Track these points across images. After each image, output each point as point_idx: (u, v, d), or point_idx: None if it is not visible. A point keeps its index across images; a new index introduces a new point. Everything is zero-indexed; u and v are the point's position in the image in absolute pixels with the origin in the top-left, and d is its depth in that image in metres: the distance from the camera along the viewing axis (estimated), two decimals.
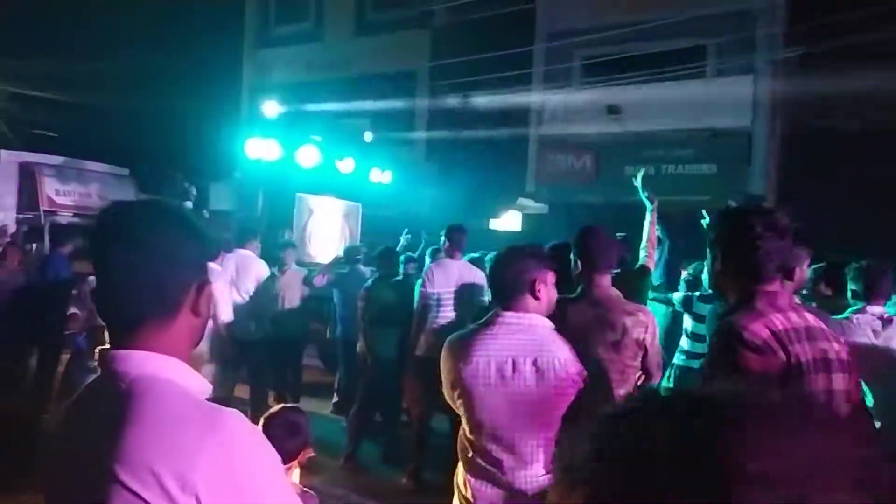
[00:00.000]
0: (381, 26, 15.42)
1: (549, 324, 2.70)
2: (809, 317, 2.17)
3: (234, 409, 1.17)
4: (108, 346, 1.20)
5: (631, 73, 12.02)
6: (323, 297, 7.73)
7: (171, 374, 1.17)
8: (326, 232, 8.00)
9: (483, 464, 2.62)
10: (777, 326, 2.05)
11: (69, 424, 1.22)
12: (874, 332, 3.81)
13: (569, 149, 13.29)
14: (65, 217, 11.12)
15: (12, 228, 10.72)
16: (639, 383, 3.23)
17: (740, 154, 11.86)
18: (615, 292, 3.25)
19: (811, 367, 2.05)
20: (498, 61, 12.77)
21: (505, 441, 2.57)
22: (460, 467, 2.77)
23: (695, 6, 11.77)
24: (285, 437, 2.61)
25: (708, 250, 2.31)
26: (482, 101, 13.06)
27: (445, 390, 2.74)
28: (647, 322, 3.18)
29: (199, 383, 1.21)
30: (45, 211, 11.32)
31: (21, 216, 11.41)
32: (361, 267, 6.89)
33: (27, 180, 11.53)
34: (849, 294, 4.20)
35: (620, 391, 3.14)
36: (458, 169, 13.79)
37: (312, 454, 2.79)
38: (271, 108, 8.45)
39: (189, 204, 9.10)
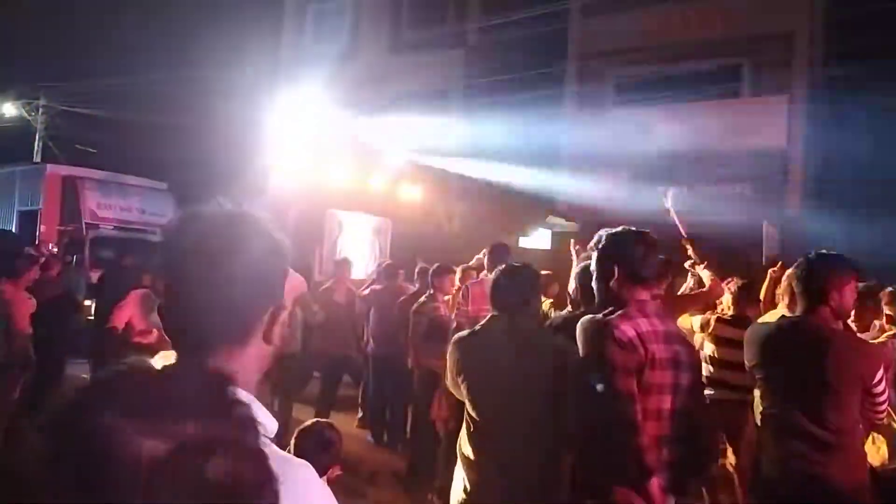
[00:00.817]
0: (416, 45, 15.60)
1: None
2: (670, 323, 2.70)
3: (304, 461, 1.08)
4: None
5: (665, 92, 11.98)
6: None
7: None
8: (357, 248, 8.08)
9: None
10: (641, 329, 2.51)
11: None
12: None
13: (601, 167, 13.26)
14: (105, 230, 11.41)
15: (53, 240, 11.04)
16: None
17: (776, 174, 11.72)
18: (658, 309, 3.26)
19: (664, 363, 2.52)
20: (531, 80, 12.83)
21: None
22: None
23: (730, 26, 11.72)
24: (318, 452, 2.62)
25: (594, 264, 2.81)
26: (513, 118, 13.10)
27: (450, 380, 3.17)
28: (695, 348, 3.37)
29: (267, 422, 1.05)
30: (86, 223, 11.63)
31: (63, 228, 11.74)
32: (403, 283, 6.92)
33: (70, 193, 11.86)
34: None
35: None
36: (488, 185, 13.83)
37: (341, 472, 2.80)
38: (307, 125, 8.59)
39: None
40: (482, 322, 3.26)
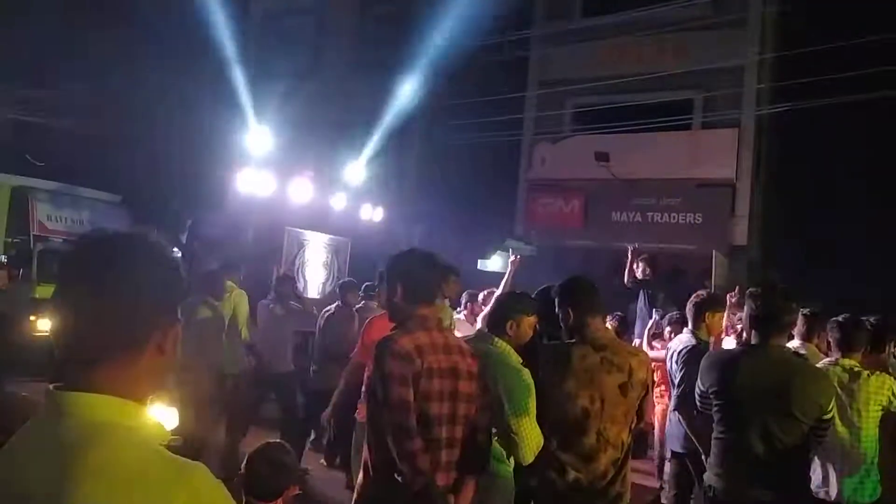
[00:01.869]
0: (377, 65, 15.70)
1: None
2: (450, 335, 2.99)
3: (199, 463, 1.09)
4: (56, 384, 1.10)
5: (620, 122, 12.30)
6: (310, 332, 7.73)
7: (131, 420, 1.07)
8: (315, 266, 8.05)
9: None
10: (420, 341, 2.74)
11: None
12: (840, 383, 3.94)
13: (557, 193, 13.51)
14: (54, 243, 11.11)
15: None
16: (632, 425, 3.30)
17: (725, 205, 12.10)
18: (612, 335, 3.37)
19: (441, 372, 2.75)
20: (491, 105, 13.03)
21: None
22: None
23: (684, 61, 12.13)
24: (269, 475, 2.59)
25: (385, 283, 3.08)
26: (474, 142, 13.28)
27: None
28: (648, 362, 3.33)
29: (159, 430, 1.13)
30: (34, 236, 11.32)
31: (10, 240, 11.40)
32: (369, 303, 6.90)
33: (19, 204, 11.55)
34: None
35: (618, 435, 3.19)
36: (447, 208, 13.94)
37: (298, 492, 2.76)
38: (267, 142, 8.55)
39: (183, 235, 9.18)
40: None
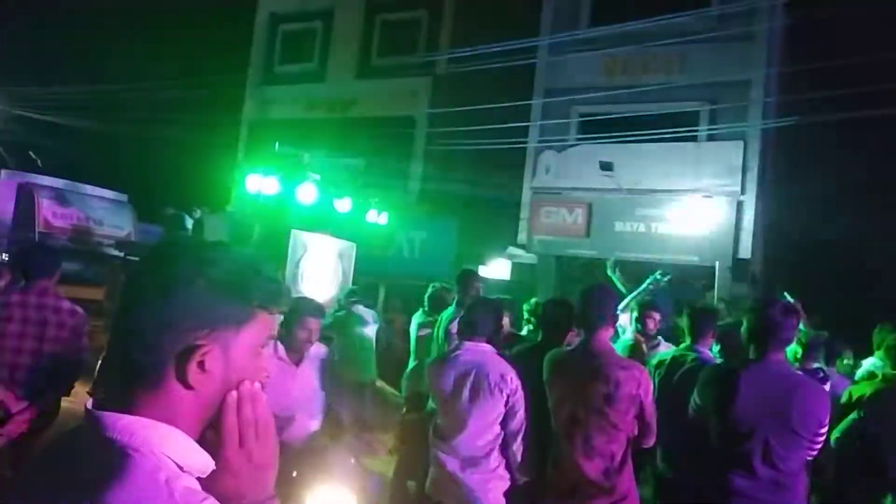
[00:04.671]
0: (384, 71, 15.76)
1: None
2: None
3: (210, 498, 0.96)
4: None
5: (626, 132, 12.32)
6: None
7: (167, 448, 0.97)
8: (319, 270, 8.06)
9: None
10: None
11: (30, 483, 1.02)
12: None
13: (561, 202, 13.52)
14: (59, 240, 11.12)
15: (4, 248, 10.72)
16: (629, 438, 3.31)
17: (729, 217, 12.09)
18: (611, 348, 3.39)
19: None
20: (496, 112, 13.07)
21: None
22: None
23: (691, 72, 12.16)
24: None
25: None
26: (478, 149, 13.31)
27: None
28: (640, 378, 3.29)
29: (199, 460, 1.01)
30: (39, 233, 11.34)
31: (14, 237, 11.42)
32: (361, 308, 6.91)
33: (25, 201, 11.57)
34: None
35: (608, 446, 3.22)
36: (450, 214, 13.97)
37: None
38: (274, 143, 8.59)
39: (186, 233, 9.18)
40: None
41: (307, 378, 3.92)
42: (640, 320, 5.47)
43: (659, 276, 6.34)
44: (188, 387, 0.99)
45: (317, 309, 3.96)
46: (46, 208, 11.57)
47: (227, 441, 1.03)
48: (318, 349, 3.97)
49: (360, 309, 6.89)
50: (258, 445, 1.04)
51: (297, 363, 3.87)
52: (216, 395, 1.02)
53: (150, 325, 0.99)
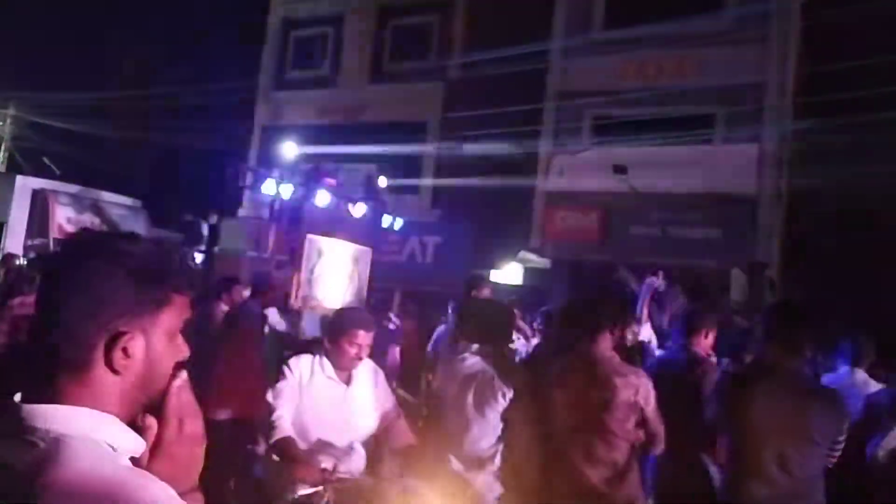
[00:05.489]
0: (396, 76, 15.76)
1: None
2: None
3: (158, 480, 1.01)
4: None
5: (640, 135, 12.26)
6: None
7: (94, 433, 1.01)
8: (335, 275, 8.03)
9: None
10: None
11: None
12: None
13: (575, 206, 13.44)
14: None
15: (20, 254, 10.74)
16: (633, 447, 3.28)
17: (745, 220, 12.00)
18: (612, 354, 3.32)
19: None
20: (509, 116, 13.03)
21: None
22: None
23: (706, 75, 12.08)
24: None
25: None
26: (491, 153, 13.28)
27: None
28: (638, 384, 3.24)
29: (131, 441, 1.06)
30: (54, 239, 11.37)
31: (30, 242, 11.45)
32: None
33: (40, 206, 11.61)
34: None
35: (609, 454, 3.19)
36: (462, 219, 13.94)
37: None
38: (288, 149, 8.59)
39: (202, 242, 9.20)
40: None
41: (360, 400, 3.43)
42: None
43: (652, 279, 6.16)
44: (115, 372, 1.05)
45: (368, 321, 3.50)
46: (61, 214, 11.61)
47: (170, 422, 1.10)
48: (367, 364, 3.48)
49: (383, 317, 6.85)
50: (193, 426, 1.12)
51: (347, 382, 3.39)
52: (139, 377, 1.07)
53: (75, 318, 1.03)
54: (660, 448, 3.41)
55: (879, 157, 10.84)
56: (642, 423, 3.24)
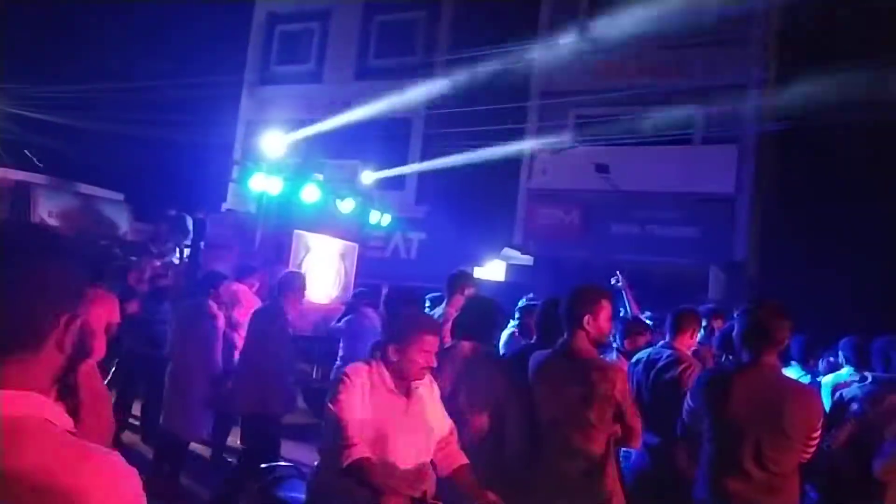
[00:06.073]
0: (381, 72, 15.79)
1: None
2: None
3: (113, 451, 1.11)
4: None
5: (622, 134, 12.42)
6: (314, 337, 7.78)
7: (43, 412, 1.08)
8: (322, 271, 8.09)
9: None
10: None
11: None
12: None
13: (557, 203, 13.60)
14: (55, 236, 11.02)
15: None
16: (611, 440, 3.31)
17: (723, 220, 12.22)
18: (590, 348, 3.36)
19: None
20: (493, 114, 13.14)
21: None
22: None
23: (686, 76, 12.27)
24: None
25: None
26: (475, 150, 13.37)
27: None
28: (615, 379, 3.26)
29: (66, 421, 1.12)
30: None
31: None
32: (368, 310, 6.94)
33: (20, 199, 11.49)
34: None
35: (588, 446, 3.24)
36: (446, 215, 14.03)
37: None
38: (275, 144, 8.58)
39: (187, 236, 9.19)
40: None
41: (422, 415, 3.05)
42: None
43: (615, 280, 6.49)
44: (54, 359, 1.13)
45: (436, 325, 3.15)
46: (42, 207, 11.51)
47: (93, 401, 1.22)
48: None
49: (368, 311, 6.93)
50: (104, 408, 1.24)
51: (407, 395, 2.99)
52: (63, 363, 1.15)
53: (23, 311, 1.09)
54: (636, 443, 3.44)
55: (856, 157, 11.09)
56: (619, 416, 3.25)
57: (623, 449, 3.91)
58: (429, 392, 3.10)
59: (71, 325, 1.14)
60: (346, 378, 2.91)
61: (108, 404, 1.26)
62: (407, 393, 2.99)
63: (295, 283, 5.46)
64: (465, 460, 3.10)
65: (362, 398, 2.88)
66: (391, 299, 4.35)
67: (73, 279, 1.16)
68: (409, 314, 3.30)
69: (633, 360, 4.51)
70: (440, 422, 3.11)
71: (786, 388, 3.21)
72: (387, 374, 2.94)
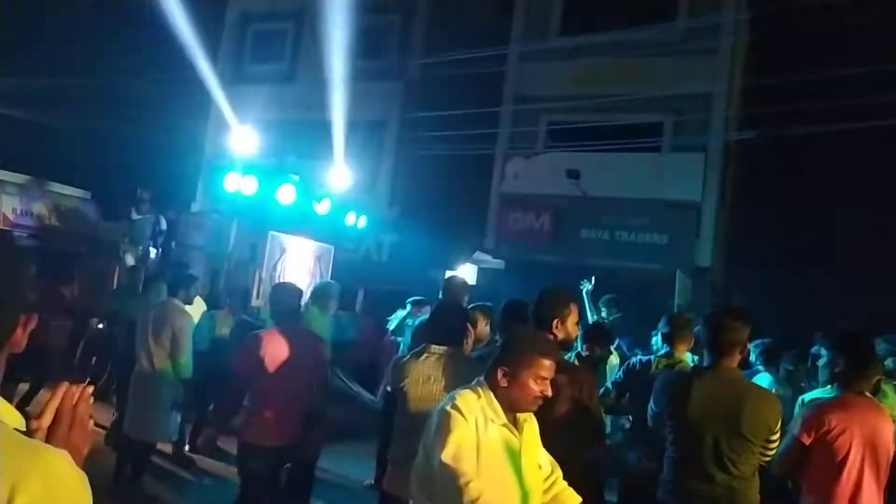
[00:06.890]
0: (356, 74, 15.75)
1: None
2: None
3: (59, 449, 1.13)
4: None
5: (592, 141, 12.59)
6: None
7: None
8: (297, 273, 8.07)
9: None
10: None
11: None
12: None
13: (528, 208, 13.72)
14: (20, 238, 10.83)
15: None
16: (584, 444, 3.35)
17: (690, 226, 12.45)
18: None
19: None
20: (467, 118, 13.21)
21: None
22: None
23: (656, 85, 12.49)
24: None
25: None
26: (447, 154, 13.43)
27: None
28: (582, 381, 3.32)
29: (16, 416, 1.15)
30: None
31: None
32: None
33: None
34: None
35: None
36: (418, 218, 14.06)
37: None
38: (246, 143, 8.53)
39: (160, 237, 9.09)
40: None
41: (534, 454, 2.70)
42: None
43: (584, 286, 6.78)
44: (15, 346, 1.18)
45: (554, 347, 2.76)
46: (7, 205, 11.28)
47: (65, 421, 1.23)
48: None
49: (340, 314, 6.94)
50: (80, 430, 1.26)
51: (519, 429, 2.60)
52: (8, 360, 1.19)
53: (11, 294, 1.14)
54: (597, 446, 3.50)
55: (821, 167, 11.39)
56: (585, 418, 3.30)
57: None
58: (532, 425, 2.71)
59: (27, 324, 1.18)
60: (455, 414, 2.46)
61: (87, 432, 1.26)
62: (518, 426, 2.59)
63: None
64: (578, 499, 2.79)
65: (475, 437, 2.45)
66: (504, 314, 4.08)
67: (24, 280, 1.19)
68: (521, 332, 2.87)
69: (631, 364, 4.66)
70: (545, 458, 2.77)
71: (743, 389, 3.30)
72: (496, 403, 2.54)
